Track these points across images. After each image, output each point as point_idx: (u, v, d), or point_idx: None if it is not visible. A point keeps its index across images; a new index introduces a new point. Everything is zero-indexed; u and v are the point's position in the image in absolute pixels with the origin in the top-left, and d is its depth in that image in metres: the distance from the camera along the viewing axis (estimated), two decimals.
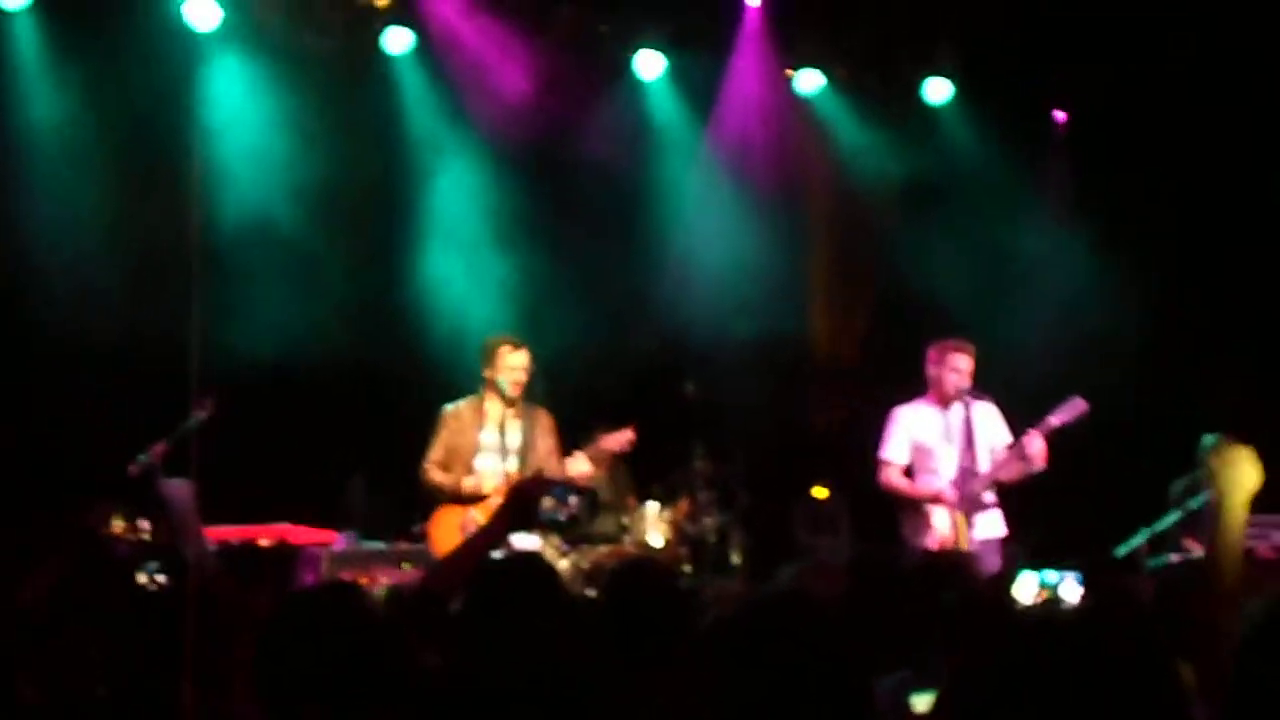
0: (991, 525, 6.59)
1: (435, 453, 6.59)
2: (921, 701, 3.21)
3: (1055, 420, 6.45)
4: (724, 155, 8.92)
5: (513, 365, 6.56)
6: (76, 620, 3.02)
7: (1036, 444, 6.41)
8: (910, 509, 6.63)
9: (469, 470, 6.57)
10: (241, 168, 7.58)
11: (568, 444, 6.72)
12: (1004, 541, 6.65)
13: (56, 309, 7.38)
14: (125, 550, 5.61)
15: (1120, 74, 8.57)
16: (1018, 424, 6.67)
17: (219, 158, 7.52)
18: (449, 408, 6.67)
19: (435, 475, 6.56)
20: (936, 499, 6.50)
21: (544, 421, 6.66)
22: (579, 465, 6.59)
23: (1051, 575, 7.05)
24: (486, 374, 6.62)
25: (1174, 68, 8.36)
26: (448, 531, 6.40)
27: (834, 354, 9.37)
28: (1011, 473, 6.51)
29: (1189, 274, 8.61)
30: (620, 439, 6.69)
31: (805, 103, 9.09)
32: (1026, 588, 6.91)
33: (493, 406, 6.63)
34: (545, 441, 6.61)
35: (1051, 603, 6.61)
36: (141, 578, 5.56)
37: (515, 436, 6.60)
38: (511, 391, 6.56)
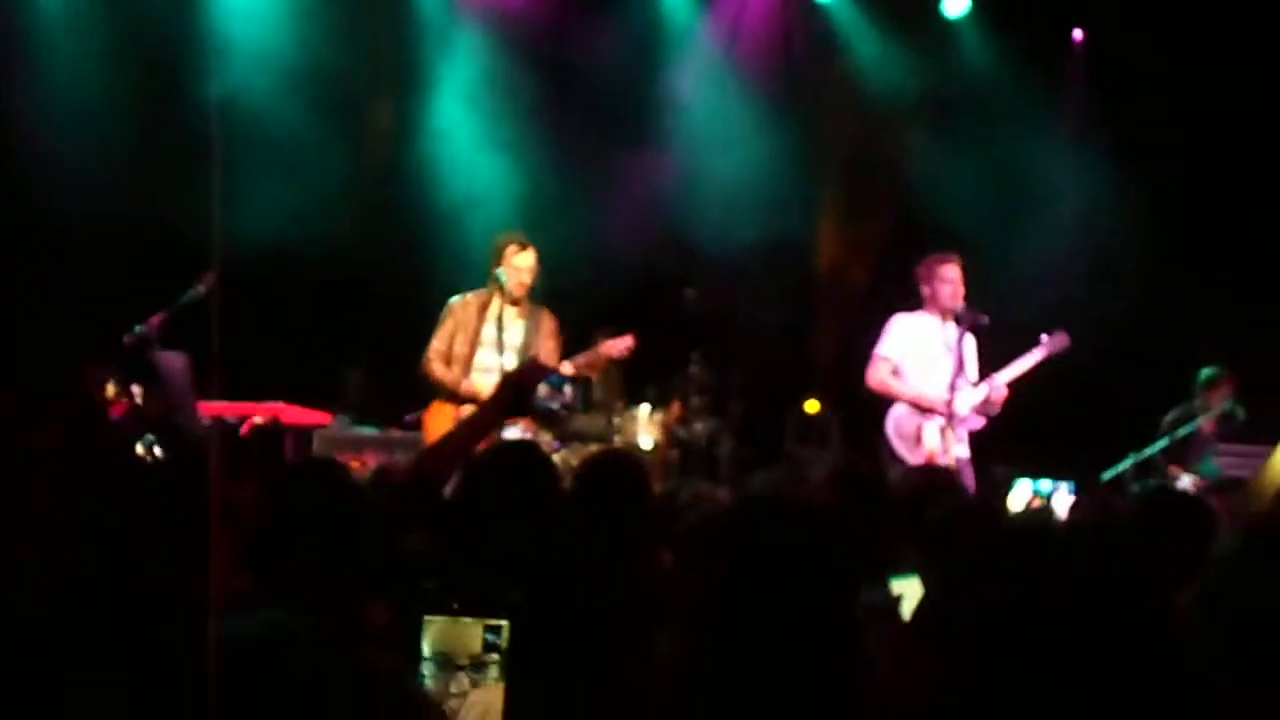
0: (964, 446, 6.66)
1: (438, 343, 6.59)
2: (900, 585, 3.26)
3: (1039, 353, 6.61)
4: (736, 61, 8.82)
5: (518, 265, 6.55)
6: (73, 485, 3.04)
7: (1000, 393, 6.56)
8: (904, 423, 6.64)
9: (469, 365, 6.57)
10: (246, 51, 7.51)
11: (567, 346, 6.73)
12: (993, 465, 6.73)
13: (63, 186, 7.32)
14: (121, 418, 5.63)
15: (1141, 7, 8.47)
16: (1014, 344, 6.72)
17: (225, 41, 7.44)
18: (455, 300, 6.67)
19: (436, 369, 6.57)
20: (927, 405, 6.51)
21: (547, 323, 6.65)
22: (566, 370, 6.64)
23: (1045, 484, 7.13)
24: (495, 272, 6.61)
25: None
26: (442, 425, 6.42)
27: (843, 268, 9.35)
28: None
29: (1198, 200, 8.57)
30: (620, 345, 6.71)
31: (821, 10, 8.97)
32: (1020, 495, 7.00)
33: (497, 303, 6.63)
34: (547, 343, 6.62)
35: (1044, 511, 6.70)
36: (139, 449, 5.61)
37: (516, 334, 6.60)
38: (515, 291, 6.55)
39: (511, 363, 6.51)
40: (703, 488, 6.94)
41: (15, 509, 2.32)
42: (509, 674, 2.70)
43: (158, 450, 5.76)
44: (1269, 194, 8.48)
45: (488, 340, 6.60)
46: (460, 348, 6.57)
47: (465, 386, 6.50)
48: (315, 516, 2.58)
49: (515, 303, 6.60)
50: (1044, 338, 6.69)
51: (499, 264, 6.57)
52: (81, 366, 5.35)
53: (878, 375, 6.65)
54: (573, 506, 3.38)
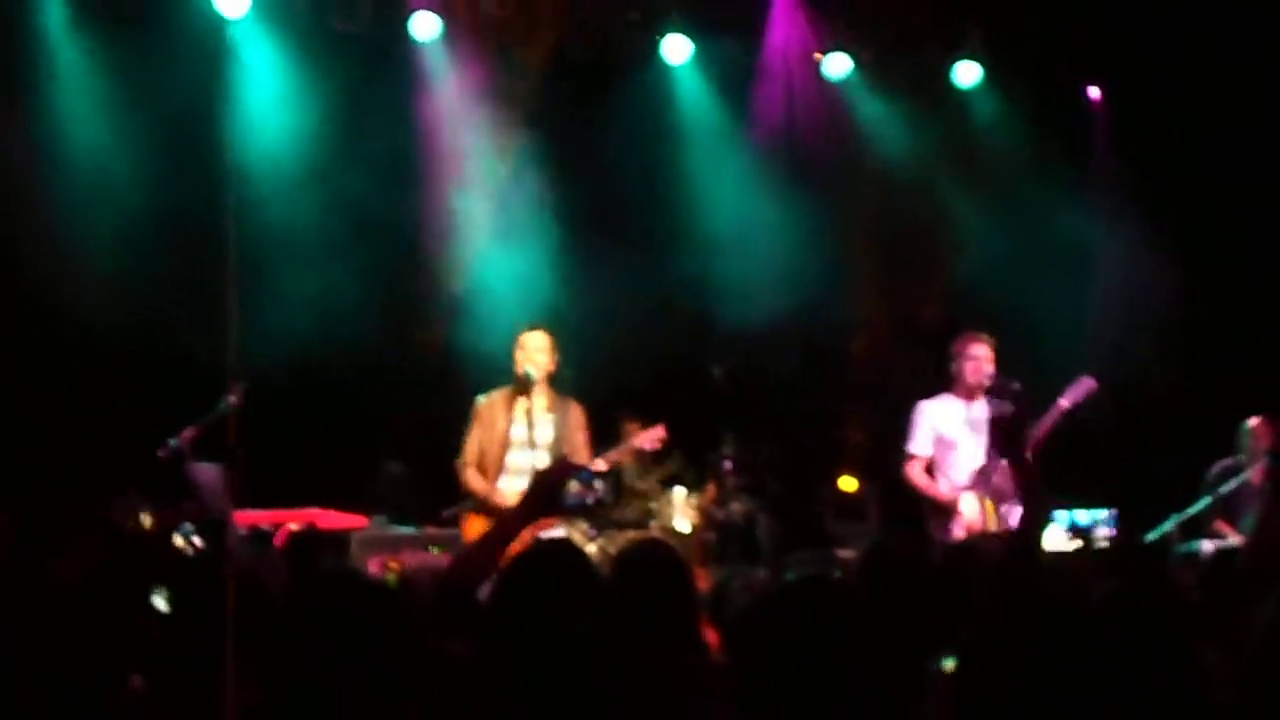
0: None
1: (470, 449, 6.51)
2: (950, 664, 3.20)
3: (1065, 403, 6.54)
4: (754, 140, 8.88)
5: (533, 347, 6.48)
6: (105, 606, 3.04)
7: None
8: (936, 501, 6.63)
9: (501, 467, 6.48)
10: (271, 155, 7.61)
11: (598, 439, 6.70)
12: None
13: (88, 296, 7.41)
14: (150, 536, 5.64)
15: (1153, 46, 8.46)
16: (1044, 403, 6.67)
17: (249, 146, 7.55)
18: (481, 399, 6.59)
19: (469, 479, 6.49)
20: (951, 504, 6.51)
21: (576, 415, 6.58)
22: (600, 466, 6.61)
23: (1082, 516, 7.01)
24: (516, 362, 6.57)
25: (1207, 36, 8.25)
26: (478, 533, 6.35)
27: (869, 342, 9.31)
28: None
29: (1231, 251, 8.52)
30: (651, 437, 6.71)
31: (834, 87, 9.04)
32: (1057, 532, 6.88)
33: (523, 399, 6.54)
34: (577, 436, 6.55)
35: (1083, 547, 6.60)
36: (179, 541, 5.61)
37: (547, 430, 6.49)
38: (535, 374, 6.46)
39: (543, 461, 6.38)
40: (754, 575, 6.92)
41: (23, 642, 2.30)
42: None
43: (197, 541, 5.78)
44: None
45: (517, 440, 6.49)
46: (490, 450, 6.49)
47: (496, 497, 6.40)
48: (341, 631, 2.56)
49: (535, 393, 6.49)
50: (1067, 390, 6.63)
51: (515, 354, 6.52)
52: (111, 499, 5.37)
53: (910, 475, 6.70)
54: (612, 597, 3.35)
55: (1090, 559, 6.34)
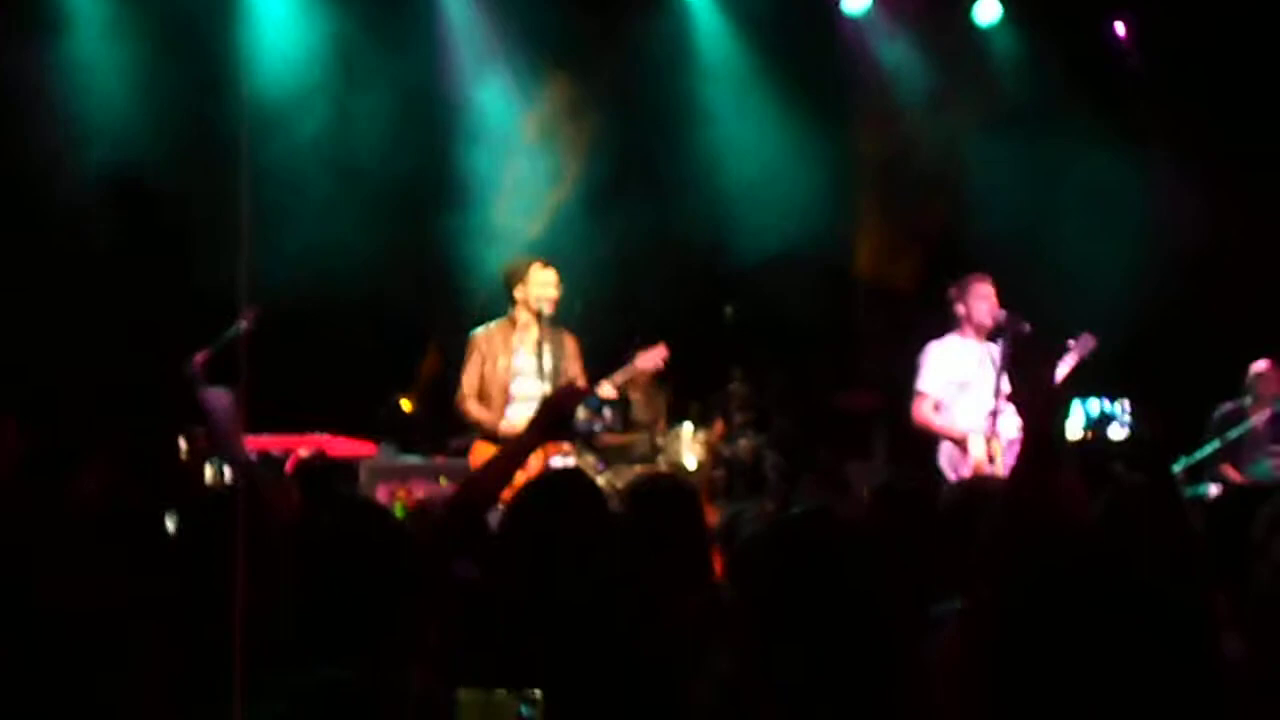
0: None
1: (469, 381, 6.50)
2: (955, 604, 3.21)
3: (1069, 361, 6.53)
4: (770, 73, 8.80)
5: (544, 281, 6.48)
6: (126, 524, 3.07)
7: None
8: (945, 439, 6.64)
9: (506, 396, 6.49)
10: (287, 85, 7.58)
11: (603, 367, 6.71)
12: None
13: (105, 217, 7.41)
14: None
15: None
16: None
17: (266, 74, 7.51)
18: (479, 331, 6.58)
19: (471, 408, 6.49)
20: (962, 439, 6.51)
21: (570, 345, 6.60)
22: (608, 390, 6.60)
23: (1096, 405, 6.97)
24: (516, 294, 6.53)
25: None
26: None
27: (884, 279, 9.29)
28: None
29: (1256, 193, 8.44)
30: (653, 357, 6.69)
31: (852, 21, 8.95)
32: (1074, 422, 6.86)
33: (524, 329, 6.55)
34: (572, 365, 6.57)
35: (1098, 439, 6.59)
36: (208, 471, 5.64)
37: (547, 360, 6.53)
38: (547, 309, 6.48)
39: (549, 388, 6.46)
40: (765, 509, 6.96)
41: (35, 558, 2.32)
42: None
43: (227, 473, 5.82)
44: None
45: (526, 370, 6.51)
46: (493, 381, 6.49)
47: (504, 426, 6.40)
48: (355, 555, 2.58)
49: (542, 325, 6.52)
50: (1070, 343, 6.62)
51: (521, 283, 6.50)
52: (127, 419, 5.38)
53: (920, 413, 6.67)
54: (624, 531, 3.37)
55: (1104, 450, 6.34)
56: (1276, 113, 8.33)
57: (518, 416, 6.39)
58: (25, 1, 7.49)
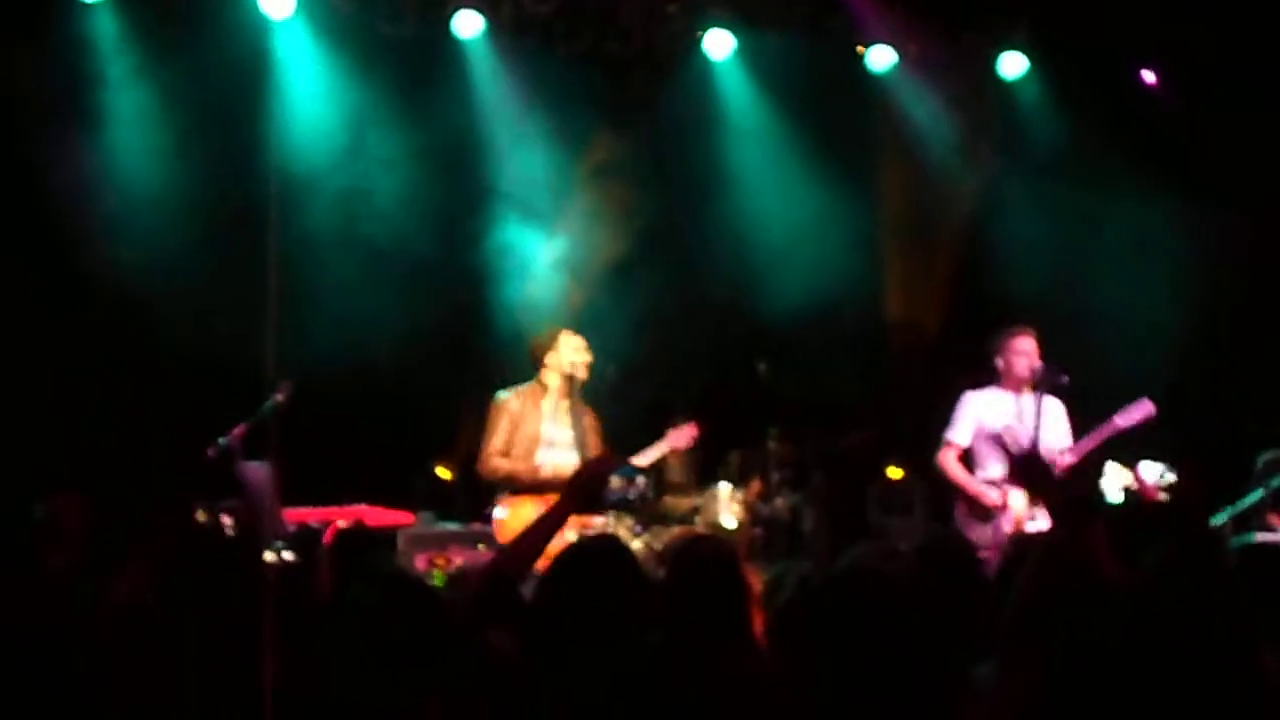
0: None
1: (496, 442, 6.49)
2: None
3: (1120, 422, 6.50)
4: (797, 132, 8.84)
5: (575, 347, 6.54)
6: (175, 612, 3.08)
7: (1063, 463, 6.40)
8: (964, 492, 6.59)
9: (532, 463, 6.51)
10: (317, 158, 7.67)
11: (640, 438, 6.69)
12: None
13: (137, 301, 7.49)
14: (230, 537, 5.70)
15: (1211, 28, 8.29)
16: (1096, 408, 6.61)
17: (296, 148, 7.60)
18: (504, 395, 6.59)
19: (502, 464, 6.46)
20: (980, 497, 6.45)
21: (591, 420, 6.63)
22: (647, 457, 6.62)
23: (1136, 469, 6.88)
24: (548, 361, 6.56)
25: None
26: (523, 519, 6.31)
27: (913, 332, 9.27)
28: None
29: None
30: (685, 435, 6.72)
31: (877, 80, 8.98)
32: (1113, 480, 6.76)
33: (552, 398, 6.55)
34: (592, 439, 6.59)
35: (1137, 501, 6.51)
36: (268, 555, 5.66)
37: (577, 430, 6.55)
38: (581, 374, 6.50)
39: (576, 460, 6.43)
40: (808, 568, 6.92)
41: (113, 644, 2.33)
42: None
43: (287, 555, 5.83)
44: None
45: (559, 440, 6.51)
46: (520, 444, 6.48)
47: (544, 471, 6.40)
48: (386, 629, 2.58)
49: (569, 395, 6.50)
50: (1125, 409, 6.54)
51: (553, 351, 6.52)
52: (169, 502, 5.39)
53: (943, 461, 6.65)
54: (664, 594, 3.35)
55: (1145, 513, 6.27)
56: None
57: (550, 465, 6.39)
58: (62, 93, 7.61)
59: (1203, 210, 8.33)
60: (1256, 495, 7.14)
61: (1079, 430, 6.67)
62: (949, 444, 6.66)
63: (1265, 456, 7.36)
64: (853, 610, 2.34)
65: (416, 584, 2.98)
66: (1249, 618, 3.16)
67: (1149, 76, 8.99)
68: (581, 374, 6.55)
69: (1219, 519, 6.96)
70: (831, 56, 8.67)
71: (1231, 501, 7.04)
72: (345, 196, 7.82)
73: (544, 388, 6.57)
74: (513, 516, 6.51)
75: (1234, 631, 2.84)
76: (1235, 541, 6.50)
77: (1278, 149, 8.31)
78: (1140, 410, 6.51)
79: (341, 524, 6.13)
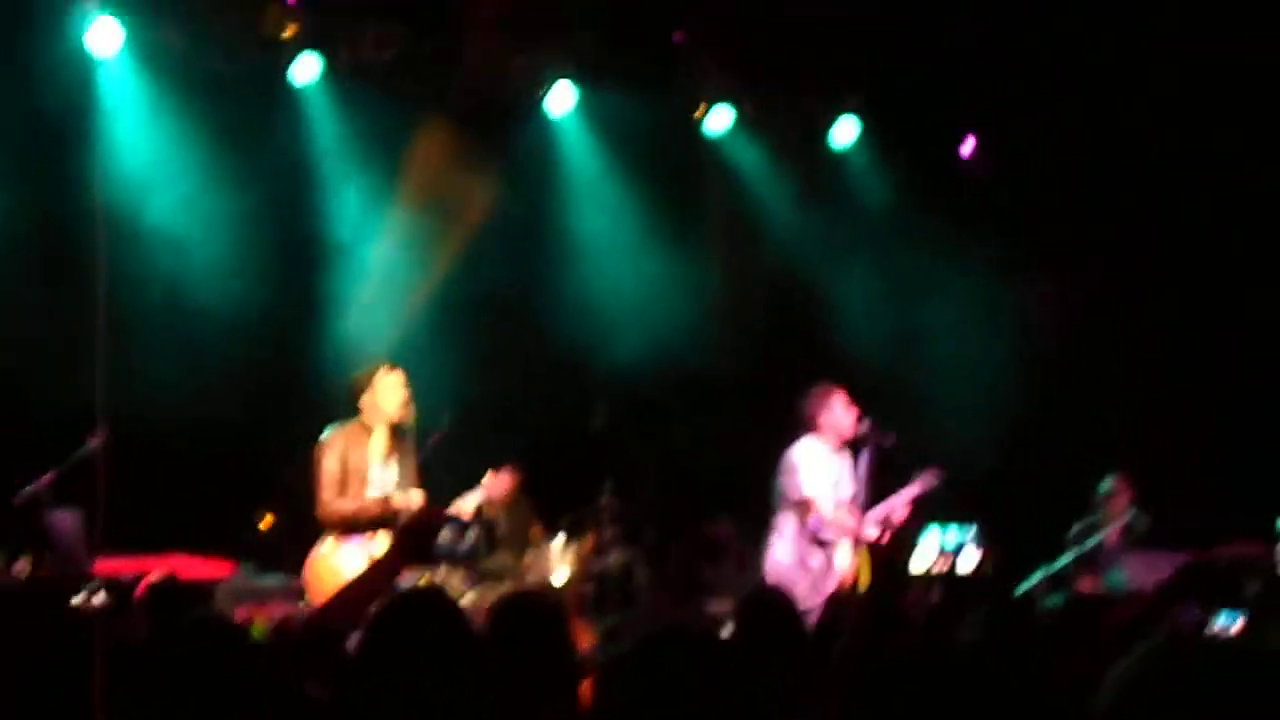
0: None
1: (330, 483, 6.19)
2: None
3: (911, 493, 6.74)
4: (638, 187, 8.94)
5: (394, 384, 6.27)
6: None
7: (869, 530, 6.54)
8: (811, 549, 6.67)
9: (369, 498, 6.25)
10: (143, 199, 7.45)
11: (461, 487, 6.57)
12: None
13: None
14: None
15: (1029, 99, 8.71)
16: (911, 468, 6.81)
17: (121, 189, 7.37)
18: (328, 434, 6.29)
19: (344, 505, 6.15)
20: (857, 537, 6.57)
21: (410, 462, 6.36)
22: (467, 505, 6.44)
23: (951, 535, 7.11)
24: (364, 401, 6.28)
25: (1082, 89, 8.54)
26: (326, 577, 6.03)
27: (743, 386, 9.40)
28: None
29: (1101, 305, 8.79)
30: (501, 483, 6.51)
31: (715, 142, 9.15)
32: (926, 550, 6.97)
33: (379, 440, 6.29)
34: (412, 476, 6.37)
35: (950, 570, 6.71)
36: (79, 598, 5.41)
37: (399, 472, 6.29)
38: (399, 412, 6.24)
39: (406, 500, 6.22)
40: (629, 622, 6.87)
41: None
42: None
43: (98, 598, 5.59)
44: (1173, 286, 8.68)
45: (386, 484, 6.27)
46: (352, 485, 6.18)
47: (392, 502, 6.13)
48: (198, 679, 2.49)
49: (393, 434, 6.29)
50: (915, 479, 6.80)
51: (369, 389, 6.25)
52: None
53: (820, 517, 6.68)
54: (487, 651, 3.30)
55: (955, 587, 6.48)
56: (1123, 216, 8.74)
57: (397, 500, 6.18)
58: None
59: (1017, 275, 8.72)
60: (1068, 557, 7.45)
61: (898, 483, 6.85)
62: (814, 499, 6.69)
63: (1079, 523, 7.71)
64: (676, 666, 2.33)
65: (233, 631, 2.88)
66: (1063, 670, 3.27)
67: (967, 147, 9.40)
68: (401, 412, 6.33)
69: (1033, 579, 7.21)
70: (671, 114, 8.80)
71: (1046, 563, 7.32)
72: (171, 239, 7.57)
73: (367, 429, 6.32)
74: (313, 574, 6.21)
75: (1046, 685, 2.93)
76: (1047, 602, 6.74)
77: (1084, 220, 8.75)
78: (926, 480, 6.78)
79: (154, 576, 5.88)
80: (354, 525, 6.17)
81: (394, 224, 8.39)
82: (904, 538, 6.37)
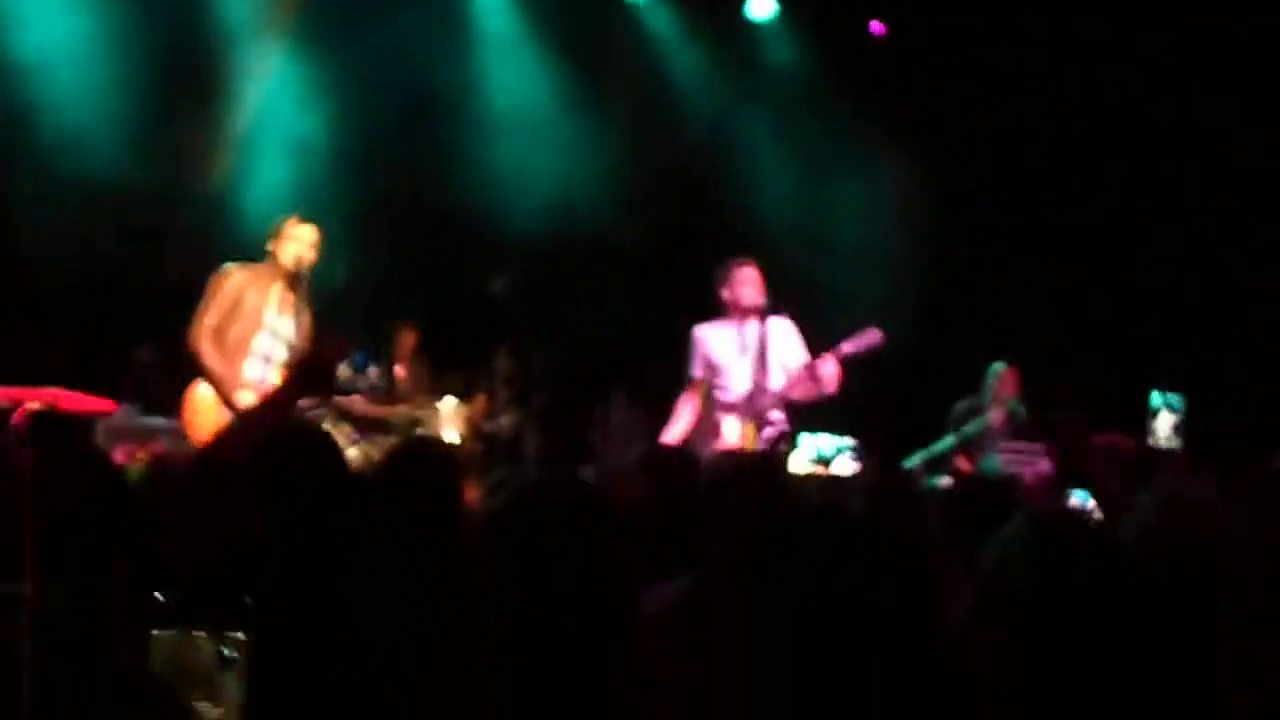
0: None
1: (210, 317, 5.95)
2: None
3: (848, 347, 6.43)
4: (548, 50, 8.79)
5: (300, 236, 6.10)
6: None
7: (829, 368, 6.42)
8: (703, 419, 6.73)
9: (245, 349, 6.00)
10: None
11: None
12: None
13: None
14: None
15: None
16: (823, 340, 6.78)
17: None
18: (228, 266, 6.09)
19: (209, 359, 5.92)
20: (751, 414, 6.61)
21: (306, 319, 6.17)
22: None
23: (827, 444, 7.14)
24: (270, 247, 6.11)
25: None
26: (206, 417, 5.88)
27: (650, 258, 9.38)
28: (803, 393, 6.56)
29: (996, 194, 8.91)
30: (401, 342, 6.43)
31: (630, 9, 9.02)
32: (802, 456, 7.01)
33: (277, 287, 6.12)
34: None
35: (827, 478, 6.75)
36: None
37: (295, 325, 6.14)
38: (296, 266, 6.07)
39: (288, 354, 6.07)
40: (515, 474, 6.89)
41: None
42: (248, 694, 2.53)
43: None
44: (1071, 189, 8.82)
45: (279, 330, 6.09)
46: (238, 328, 5.99)
47: (236, 399, 5.89)
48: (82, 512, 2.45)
49: (293, 287, 6.12)
50: (852, 336, 6.65)
51: (276, 237, 6.09)
52: None
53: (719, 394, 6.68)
54: (377, 492, 3.28)
55: (836, 484, 6.53)
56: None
57: (252, 375, 6.00)
58: None
59: (918, 155, 8.80)
60: (949, 441, 7.61)
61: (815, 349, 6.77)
62: (700, 381, 6.72)
63: (960, 404, 7.84)
64: (555, 511, 2.31)
65: (112, 467, 2.82)
66: (939, 549, 3.36)
67: (878, 27, 9.39)
68: (303, 268, 6.12)
69: (912, 461, 7.38)
70: None
71: (926, 445, 7.49)
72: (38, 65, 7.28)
73: (272, 275, 6.12)
74: (193, 411, 6.00)
75: (921, 559, 3.01)
76: (927, 483, 6.91)
77: (982, 105, 8.80)
78: (868, 337, 6.47)
79: (33, 406, 5.72)
80: (205, 377, 5.97)
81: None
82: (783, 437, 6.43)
